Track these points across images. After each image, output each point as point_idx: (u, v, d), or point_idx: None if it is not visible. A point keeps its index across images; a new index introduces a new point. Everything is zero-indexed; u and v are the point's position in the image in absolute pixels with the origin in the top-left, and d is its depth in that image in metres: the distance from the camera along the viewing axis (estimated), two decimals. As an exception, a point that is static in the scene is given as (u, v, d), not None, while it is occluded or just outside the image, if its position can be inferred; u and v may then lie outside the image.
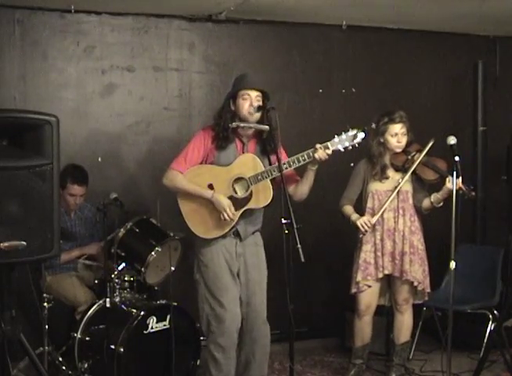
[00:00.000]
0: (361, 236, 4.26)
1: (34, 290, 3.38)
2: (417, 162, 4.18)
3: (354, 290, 4.34)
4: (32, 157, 2.55)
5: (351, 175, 4.38)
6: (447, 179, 4.05)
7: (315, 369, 4.82)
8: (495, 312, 4.87)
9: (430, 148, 4.20)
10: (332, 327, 5.25)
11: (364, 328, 4.41)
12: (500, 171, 5.56)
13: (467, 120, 5.60)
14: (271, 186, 3.76)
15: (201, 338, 4.19)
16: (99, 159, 4.94)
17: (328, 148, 3.70)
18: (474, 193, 4.11)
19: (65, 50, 4.84)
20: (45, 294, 4.14)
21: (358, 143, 3.74)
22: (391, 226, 4.24)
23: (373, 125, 4.06)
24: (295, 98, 5.37)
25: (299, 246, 3.27)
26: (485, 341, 4.67)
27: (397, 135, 4.20)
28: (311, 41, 5.44)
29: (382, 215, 4.22)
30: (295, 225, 3.33)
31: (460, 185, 3.99)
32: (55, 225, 2.61)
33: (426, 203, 4.24)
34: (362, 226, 4.18)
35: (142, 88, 5.05)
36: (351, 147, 3.74)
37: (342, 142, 3.71)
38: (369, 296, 4.32)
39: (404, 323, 4.39)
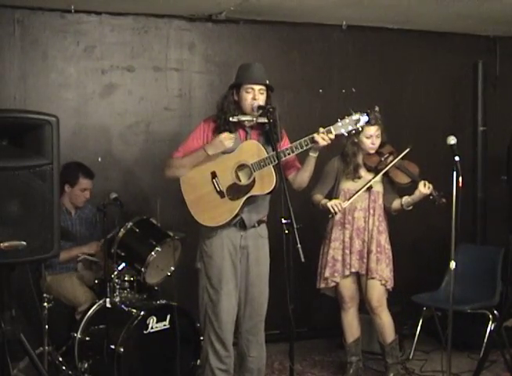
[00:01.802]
0: (330, 216, 4.27)
1: (34, 290, 3.38)
2: (390, 165, 4.26)
3: (322, 285, 4.41)
4: (32, 157, 2.55)
5: (323, 172, 4.40)
6: (420, 183, 4.15)
7: (315, 369, 4.82)
8: (495, 312, 4.87)
9: (405, 154, 4.26)
10: (332, 327, 5.24)
11: (352, 321, 4.45)
12: (500, 171, 5.56)
13: (467, 120, 5.60)
14: (274, 173, 3.72)
15: (201, 337, 4.19)
16: (99, 159, 4.95)
17: (331, 132, 3.68)
18: (444, 200, 4.15)
19: (65, 50, 4.84)
20: (45, 294, 4.13)
21: (362, 127, 3.74)
22: (360, 225, 4.31)
23: (377, 109, 4.07)
24: (295, 98, 5.37)
25: (299, 246, 3.27)
26: (485, 341, 4.67)
27: (371, 136, 4.28)
28: (312, 41, 5.44)
29: (353, 214, 4.30)
30: (295, 225, 3.32)
31: (432, 191, 4.10)
32: (55, 225, 2.61)
33: (395, 204, 4.32)
34: (333, 207, 4.20)
35: (142, 88, 5.05)
36: (354, 131, 3.74)
37: (345, 126, 3.69)
38: (348, 288, 4.39)
39: (385, 325, 4.39)
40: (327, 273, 4.35)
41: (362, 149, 4.33)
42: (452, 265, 3.93)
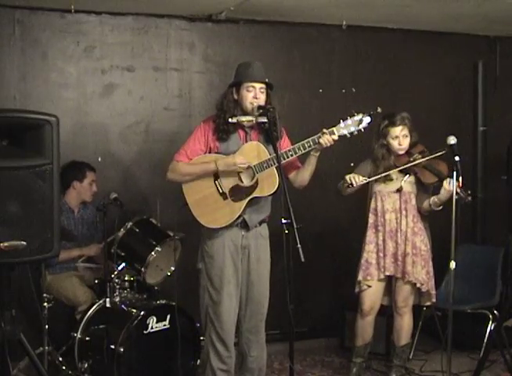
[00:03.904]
0: (346, 185, 4.12)
1: (34, 290, 3.38)
2: (415, 163, 4.17)
3: (356, 289, 4.37)
4: (32, 157, 2.55)
5: (357, 167, 4.35)
6: (445, 181, 4.05)
7: (315, 369, 4.82)
8: (495, 312, 4.87)
9: (435, 156, 4.16)
10: (332, 327, 5.25)
11: (366, 328, 4.41)
12: (500, 171, 5.56)
13: (467, 120, 5.60)
14: (276, 174, 3.71)
15: (201, 337, 4.20)
16: (99, 159, 4.94)
17: (334, 133, 3.68)
18: (470, 198, 4.08)
19: (65, 50, 4.84)
20: (45, 294, 4.14)
21: (364, 128, 3.71)
22: (393, 227, 4.25)
23: (379, 109, 4.00)
24: (295, 98, 5.37)
25: (299, 246, 3.27)
26: (485, 341, 4.67)
27: (398, 137, 4.19)
28: (312, 41, 5.43)
29: (384, 216, 4.23)
30: (295, 225, 3.32)
31: (457, 189, 3.98)
32: (55, 225, 2.61)
33: (425, 205, 4.25)
34: (350, 179, 4.08)
35: (142, 88, 5.05)
36: (356, 132, 3.71)
37: (348, 127, 3.69)
38: (372, 296, 4.33)
39: (404, 327, 4.39)
40: (360, 277, 4.29)
41: (392, 151, 4.24)
42: (452, 265, 3.92)
